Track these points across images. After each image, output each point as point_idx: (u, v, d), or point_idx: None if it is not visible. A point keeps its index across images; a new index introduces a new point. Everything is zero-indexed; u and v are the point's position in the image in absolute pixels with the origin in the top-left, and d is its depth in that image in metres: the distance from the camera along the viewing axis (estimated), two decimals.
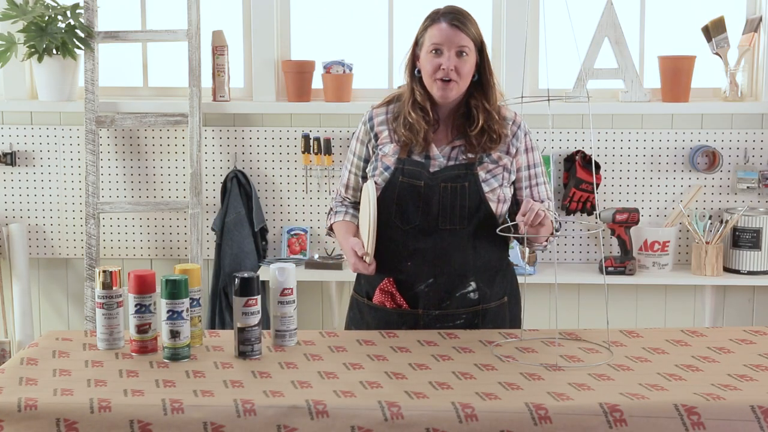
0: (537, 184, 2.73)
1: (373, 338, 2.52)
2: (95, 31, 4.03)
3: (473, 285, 2.65)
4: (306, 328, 3.89)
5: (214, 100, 4.15)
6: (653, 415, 1.99)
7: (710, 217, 4.08)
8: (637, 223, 3.97)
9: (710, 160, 4.09)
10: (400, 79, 4.41)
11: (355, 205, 2.78)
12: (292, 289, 2.46)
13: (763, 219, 3.99)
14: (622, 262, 3.98)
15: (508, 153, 2.67)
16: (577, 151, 4.08)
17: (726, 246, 4.05)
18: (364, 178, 2.73)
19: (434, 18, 2.62)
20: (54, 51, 4.00)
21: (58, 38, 3.96)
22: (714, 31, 4.08)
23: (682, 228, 4.14)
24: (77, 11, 4.01)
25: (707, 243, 3.98)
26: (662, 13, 4.21)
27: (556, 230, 2.71)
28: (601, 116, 4.11)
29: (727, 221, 4.00)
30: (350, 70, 4.15)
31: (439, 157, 2.64)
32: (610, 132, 4.11)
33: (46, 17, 3.97)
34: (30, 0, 4.07)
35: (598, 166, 4.08)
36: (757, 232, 3.98)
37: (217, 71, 4.13)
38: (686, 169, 4.12)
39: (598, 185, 4.08)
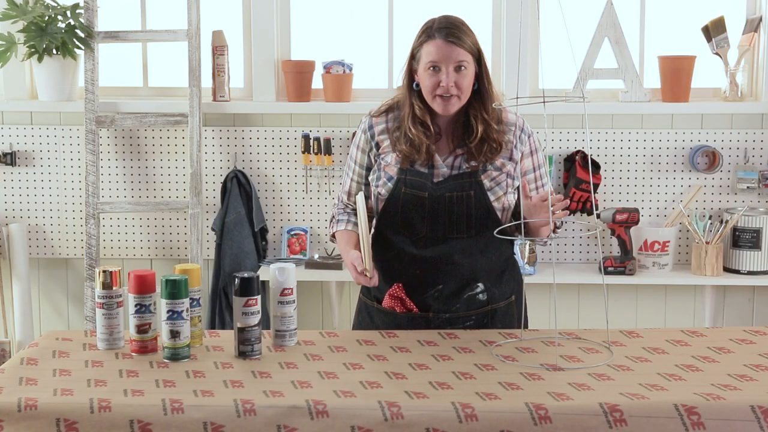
0: (543, 185, 2.72)
1: (373, 338, 2.52)
2: (95, 31, 4.03)
3: (481, 286, 2.65)
4: (306, 328, 3.89)
5: (214, 100, 4.15)
6: (653, 415, 1.99)
7: (710, 217, 4.08)
8: (637, 223, 3.97)
9: (710, 160, 4.09)
10: (400, 81, 4.42)
11: (356, 212, 2.77)
12: (292, 289, 2.46)
13: (763, 219, 3.99)
14: (622, 262, 3.98)
15: (511, 159, 2.65)
16: (577, 151, 4.08)
17: (726, 246, 4.05)
18: (367, 186, 2.72)
19: (429, 33, 2.58)
20: (54, 51, 4.00)
21: (58, 38, 3.96)
22: (714, 31, 4.08)
23: (682, 228, 4.14)
24: (77, 11, 4.01)
25: (707, 243, 3.98)
26: (662, 13, 4.21)
27: (558, 226, 2.71)
28: (601, 116, 4.11)
29: (727, 221, 4.00)
30: (350, 70, 4.15)
31: (443, 166, 2.63)
32: (610, 132, 4.11)
33: (46, 17, 3.97)
34: (30, 0, 4.07)
35: (597, 166, 4.08)
36: (757, 232, 3.98)
37: (217, 71, 4.13)
38: (686, 169, 4.12)
39: (597, 185, 4.08)
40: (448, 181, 2.61)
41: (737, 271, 4.02)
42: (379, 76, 4.23)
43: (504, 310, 2.70)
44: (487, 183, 2.62)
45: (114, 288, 2.43)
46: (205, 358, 2.36)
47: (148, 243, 4.25)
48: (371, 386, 2.14)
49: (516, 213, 2.70)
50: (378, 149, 2.68)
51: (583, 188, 4.01)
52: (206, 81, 4.15)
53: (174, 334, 2.33)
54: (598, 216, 4.01)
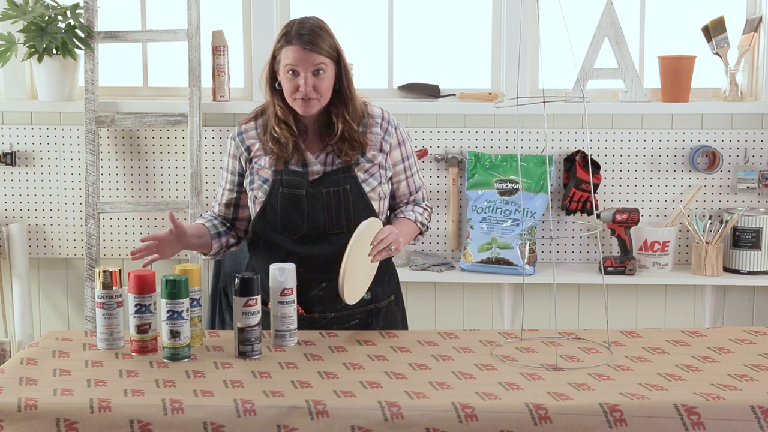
0: (412, 175, 2.83)
1: (372, 338, 2.53)
2: (95, 31, 4.03)
3: None
4: None
5: (214, 100, 4.15)
6: (653, 415, 2.00)
7: (710, 217, 4.08)
8: (637, 223, 3.97)
9: (710, 160, 4.09)
10: (400, 79, 4.42)
11: (225, 221, 2.81)
12: (292, 289, 2.46)
13: (763, 219, 3.99)
14: (622, 262, 3.98)
15: (381, 150, 2.74)
16: (577, 151, 4.08)
17: (726, 246, 4.05)
18: (240, 193, 2.78)
19: (288, 38, 2.65)
20: (54, 51, 4.00)
21: (58, 38, 3.95)
22: (714, 31, 4.08)
23: (682, 228, 4.14)
24: (77, 11, 4.01)
25: (707, 243, 3.98)
26: (662, 13, 4.21)
27: (423, 232, 2.82)
28: (601, 116, 4.11)
29: (727, 221, 4.00)
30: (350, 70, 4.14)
31: (316, 164, 2.69)
32: (610, 132, 4.11)
33: (46, 17, 3.97)
34: (30, 0, 4.07)
35: (597, 166, 4.07)
36: (757, 232, 3.98)
37: (217, 71, 4.12)
38: (686, 169, 4.12)
39: (597, 185, 4.08)
40: (323, 178, 2.68)
41: (737, 271, 4.02)
42: (379, 76, 4.23)
43: (386, 308, 2.79)
44: (361, 175, 2.70)
45: (114, 288, 2.43)
46: (205, 358, 2.36)
47: None
48: (371, 386, 2.14)
49: (392, 207, 2.82)
50: (249, 153, 2.74)
51: (583, 188, 4.01)
52: (206, 81, 4.15)
53: (174, 334, 2.33)
54: (598, 216, 4.01)
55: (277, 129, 2.68)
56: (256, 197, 2.71)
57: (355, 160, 2.69)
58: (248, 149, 2.74)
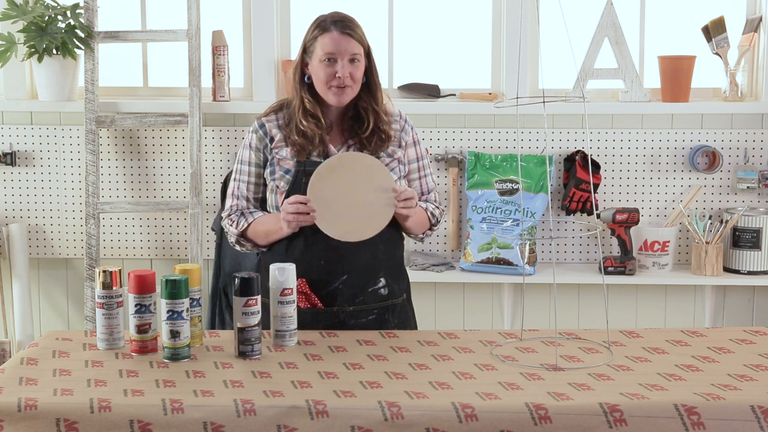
0: (425, 176, 2.86)
1: (373, 338, 2.53)
2: (95, 31, 4.03)
3: (383, 281, 2.74)
4: None
5: (214, 100, 4.15)
6: (653, 415, 2.00)
7: (710, 217, 4.08)
8: (637, 223, 3.97)
9: (710, 160, 4.09)
10: (400, 79, 4.43)
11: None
12: (292, 289, 2.46)
13: (763, 219, 3.99)
14: (622, 262, 3.98)
15: (400, 146, 2.78)
16: (577, 151, 4.08)
17: (726, 246, 4.05)
18: (260, 186, 2.78)
19: (324, 27, 2.68)
20: (54, 51, 4.00)
21: (58, 38, 3.96)
22: (714, 31, 4.08)
23: (682, 228, 4.14)
24: (77, 11, 4.01)
25: (707, 243, 3.98)
26: (662, 13, 4.21)
27: (434, 225, 2.85)
28: (601, 116, 4.11)
29: (727, 221, 4.00)
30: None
31: None
32: (610, 132, 4.11)
33: (46, 17, 3.97)
34: (30, 0, 4.07)
35: (597, 166, 4.07)
36: (757, 232, 3.98)
37: (217, 71, 4.12)
38: (686, 169, 4.12)
39: (597, 185, 4.08)
40: None
41: (737, 271, 4.02)
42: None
43: (401, 306, 2.80)
44: None
45: (114, 288, 2.43)
46: (205, 358, 2.36)
47: (148, 243, 4.25)
48: (371, 386, 2.14)
49: None
50: (271, 143, 2.76)
51: (583, 188, 4.01)
52: (206, 81, 4.15)
53: (174, 334, 2.33)
54: (598, 216, 4.01)
55: (304, 122, 2.69)
56: (277, 187, 2.73)
57: (377, 155, 2.71)
58: (271, 139, 2.76)
